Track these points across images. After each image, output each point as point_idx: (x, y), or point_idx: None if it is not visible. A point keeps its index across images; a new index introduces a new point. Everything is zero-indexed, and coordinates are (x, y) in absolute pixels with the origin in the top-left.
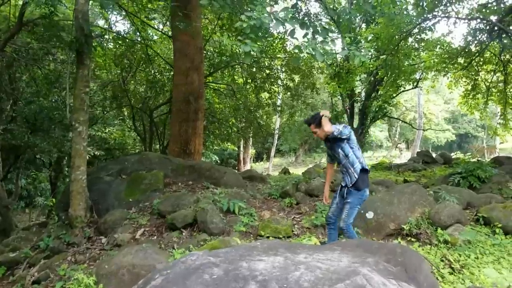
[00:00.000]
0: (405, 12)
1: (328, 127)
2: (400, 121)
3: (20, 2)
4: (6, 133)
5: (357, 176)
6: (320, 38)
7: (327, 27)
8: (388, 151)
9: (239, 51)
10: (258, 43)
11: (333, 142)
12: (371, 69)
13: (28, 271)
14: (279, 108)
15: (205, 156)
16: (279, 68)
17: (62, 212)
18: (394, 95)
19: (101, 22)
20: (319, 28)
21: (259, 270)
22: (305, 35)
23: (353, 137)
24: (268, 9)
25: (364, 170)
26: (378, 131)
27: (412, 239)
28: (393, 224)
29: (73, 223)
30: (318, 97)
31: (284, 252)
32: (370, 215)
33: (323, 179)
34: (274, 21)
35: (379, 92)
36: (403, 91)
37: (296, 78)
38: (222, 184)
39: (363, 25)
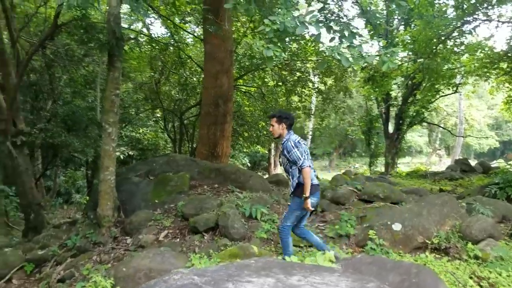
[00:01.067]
0: (444, 15)
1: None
2: (440, 127)
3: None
4: (45, 131)
5: (292, 189)
6: (347, 43)
7: (354, 31)
8: (428, 157)
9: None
10: (281, 47)
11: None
12: (408, 72)
13: (55, 269)
14: (312, 111)
15: (236, 158)
16: (310, 71)
17: (91, 211)
18: (433, 100)
19: (139, 25)
20: (346, 32)
21: None
22: (331, 39)
23: (302, 150)
24: (303, 10)
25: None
26: (417, 136)
27: (441, 254)
28: (421, 237)
29: (101, 223)
30: (354, 101)
31: (278, 273)
32: (397, 226)
33: (350, 187)
34: (299, 25)
35: (417, 96)
36: (442, 96)
37: (329, 81)
38: (248, 188)
39: (401, 28)
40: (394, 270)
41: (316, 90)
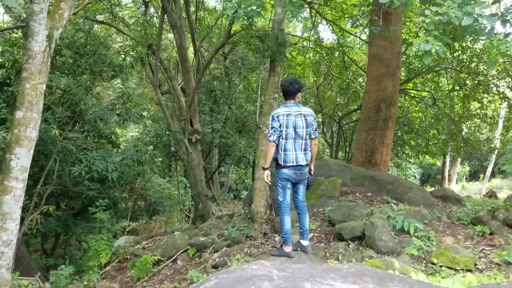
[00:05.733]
0: None
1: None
2: None
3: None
4: (220, 132)
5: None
6: None
7: None
8: None
9: (447, 54)
10: (444, 41)
11: None
12: None
13: (212, 255)
14: (502, 121)
15: (402, 168)
16: (495, 74)
17: (247, 207)
18: None
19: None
20: None
21: None
22: (506, 35)
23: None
24: (494, 7)
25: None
26: None
27: None
28: None
29: (254, 218)
30: None
31: (369, 282)
32: None
33: None
34: (465, 17)
35: None
36: None
37: None
38: (406, 201)
39: None
40: None
41: (501, 95)
